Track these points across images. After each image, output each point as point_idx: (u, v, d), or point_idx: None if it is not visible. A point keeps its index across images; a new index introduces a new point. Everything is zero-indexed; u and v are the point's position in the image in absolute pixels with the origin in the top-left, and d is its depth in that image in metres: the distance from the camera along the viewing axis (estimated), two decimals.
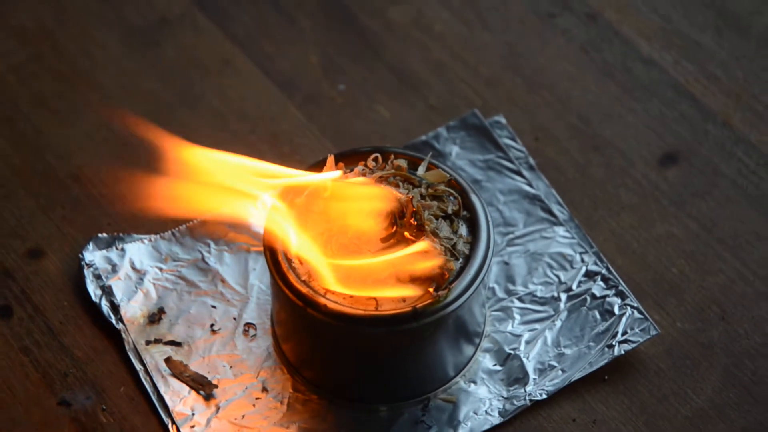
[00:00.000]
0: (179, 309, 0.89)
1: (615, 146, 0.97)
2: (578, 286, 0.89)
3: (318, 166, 0.85)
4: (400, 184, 0.84)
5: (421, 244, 0.81)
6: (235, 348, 0.87)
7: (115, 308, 0.89)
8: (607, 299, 0.89)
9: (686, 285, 0.91)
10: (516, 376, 0.86)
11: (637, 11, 1.04)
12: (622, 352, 0.86)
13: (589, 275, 0.90)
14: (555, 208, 0.93)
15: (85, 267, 0.90)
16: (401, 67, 1.01)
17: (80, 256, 0.91)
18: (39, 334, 0.89)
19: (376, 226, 0.82)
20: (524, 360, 0.87)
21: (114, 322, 0.88)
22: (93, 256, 0.91)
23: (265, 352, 0.87)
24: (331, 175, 0.83)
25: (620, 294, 0.89)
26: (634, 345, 0.87)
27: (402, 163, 0.84)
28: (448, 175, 0.85)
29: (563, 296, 0.89)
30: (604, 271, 0.90)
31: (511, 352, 0.87)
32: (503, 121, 0.97)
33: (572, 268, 0.90)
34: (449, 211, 0.83)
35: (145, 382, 0.86)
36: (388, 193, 0.82)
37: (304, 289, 0.80)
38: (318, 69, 1.01)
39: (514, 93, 1.00)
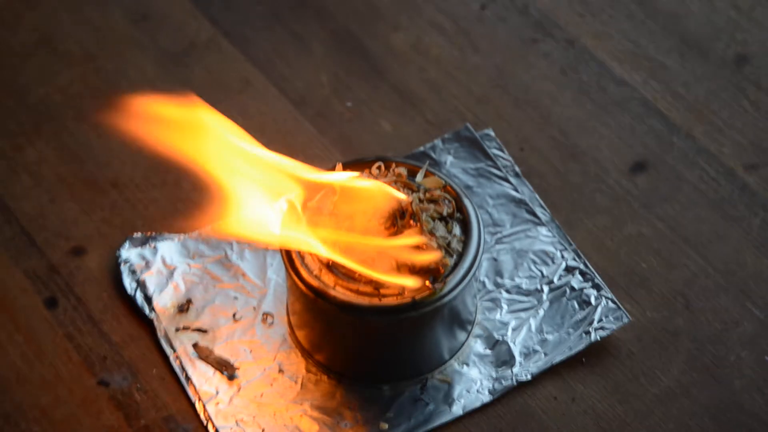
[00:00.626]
0: (205, 300, 0.91)
1: (591, 156, 0.99)
2: (559, 279, 0.92)
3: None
4: (401, 189, 0.85)
5: (415, 238, 0.82)
6: (254, 334, 0.90)
7: (148, 299, 0.91)
8: (585, 291, 0.91)
9: (654, 278, 0.92)
10: (504, 359, 0.88)
11: (610, 37, 1.05)
12: (598, 338, 0.88)
13: (569, 270, 0.92)
14: (538, 211, 0.95)
15: (122, 263, 0.92)
16: (402, 86, 1.03)
17: (117, 253, 0.93)
18: (81, 323, 0.91)
19: (380, 226, 0.83)
20: (511, 345, 0.89)
21: (147, 311, 0.91)
22: (129, 253, 0.93)
23: (281, 337, 0.90)
24: (350, 174, 0.84)
25: (596, 286, 0.91)
26: (608, 331, 0.88)
27: (402, 171, 0.86)
28: (444, 182, 0.86)
29: (545, 288, 0.91)
30: (581, 266, 0.92)
31: (500, 338, 0.89)
32: (492, 133, 0.99)
33: (553, 263, 0.92)
34: (444, 213, 0.85)
35: (174, 365, 0.89)
36: (390, 194, 0.83)
37: (315, 283, 0.83)
38: (328, 88, 1.03)
39: (501, 109, 1.02)
